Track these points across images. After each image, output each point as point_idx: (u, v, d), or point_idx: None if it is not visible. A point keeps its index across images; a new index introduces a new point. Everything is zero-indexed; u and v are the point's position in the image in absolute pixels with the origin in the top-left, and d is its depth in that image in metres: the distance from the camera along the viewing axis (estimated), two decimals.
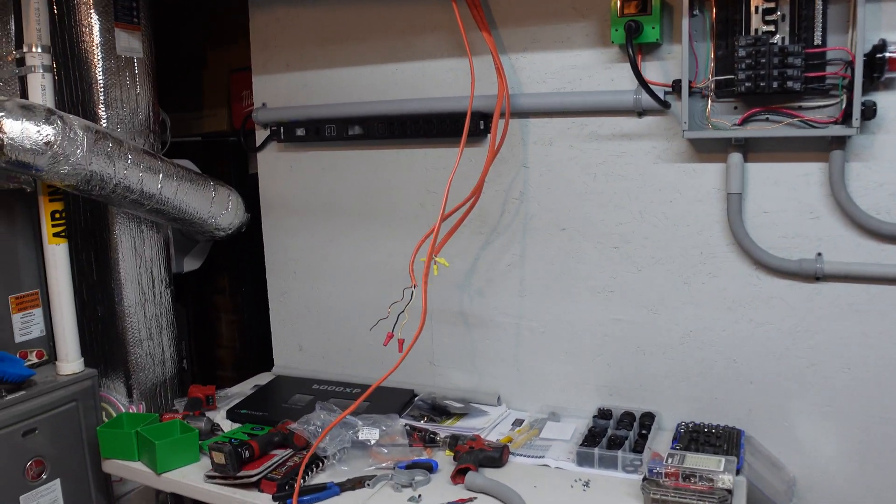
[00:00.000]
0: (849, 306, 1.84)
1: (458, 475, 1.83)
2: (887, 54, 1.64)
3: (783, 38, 1.74)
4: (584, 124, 2.05)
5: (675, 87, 1.87)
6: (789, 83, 1.71)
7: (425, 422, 2.18)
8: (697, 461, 1.71)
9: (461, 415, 2.22)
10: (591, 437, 1.97)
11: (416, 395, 2.36)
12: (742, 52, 1.74)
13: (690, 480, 1.66)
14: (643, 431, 2.00)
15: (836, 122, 1.74)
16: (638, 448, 1.90)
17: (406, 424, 2.08)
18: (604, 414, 2.10)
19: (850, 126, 1.69)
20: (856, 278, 1.82)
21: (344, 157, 2.42)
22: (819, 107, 1.76)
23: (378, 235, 2.42)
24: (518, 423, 2.18)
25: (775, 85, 1.72)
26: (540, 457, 1.95)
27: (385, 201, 2.39)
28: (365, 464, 1.93)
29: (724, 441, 1.89)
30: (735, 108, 1.84)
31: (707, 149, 1.91)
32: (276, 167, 2.56)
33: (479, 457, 1.89)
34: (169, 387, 2.46)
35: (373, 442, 1.98)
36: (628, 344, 2.10)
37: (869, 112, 1.69)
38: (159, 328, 2.43)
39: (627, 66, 1.94)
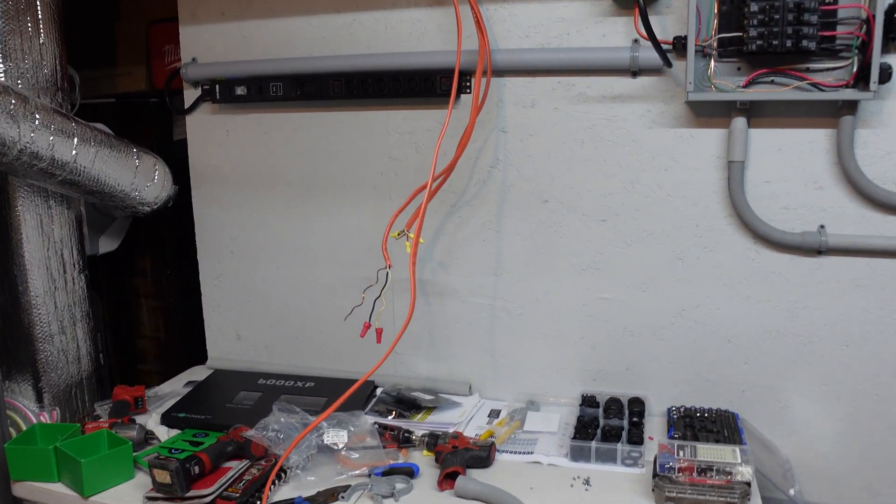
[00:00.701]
0: (850, 281, 1.76)
1: (446, 480, 1.63)
2: None
3: None
4: (571, 84, 1.86)
5: (676, 44, 1.71)
6: (804, 42, 1.58)
7: (394, 418, 1.96)
8: (711, 453, 1.58)
9: (432, 408, 2.02)
10: (583, 428, 1.81)
11: (376, 387, 2.14)
12: (754, 7, 1.59)
13: (707, 475, 1.53)
14: (634, 419, 1.86)
15: (846, 86, 1.63)
16: (634, 438, 1.76)
17: (375, 422, 1.85)
18: (589, 401, 1.95)
19: (867, 90, 1.57)
20: (859, 252, 1.73)
21: (292, 120, 2.13)
22: (828, 69, 1.65)
23: (330, 209, 2.16)
24: (495, 414, 2.00)
25: (789, 44, 1.59)
26: (528, 452, 1.78)
27: (339, 170, 2.12)
28: (334, 472, 1.70)
29: (722, 426, 1.79)
30: (738, 68, 1.71)
31: (707, 112, 1.77)
32: (209, 131, 2.23)
33: (465, 457, 1.70)
34: (86, 388, 2.12)
35: (341, 446, 1.75)
36: (615, 325, 1.96)
37: (885, 75, 1.58)
38: (72, 320, 2.07)
39: (621, 20, 1.78)
